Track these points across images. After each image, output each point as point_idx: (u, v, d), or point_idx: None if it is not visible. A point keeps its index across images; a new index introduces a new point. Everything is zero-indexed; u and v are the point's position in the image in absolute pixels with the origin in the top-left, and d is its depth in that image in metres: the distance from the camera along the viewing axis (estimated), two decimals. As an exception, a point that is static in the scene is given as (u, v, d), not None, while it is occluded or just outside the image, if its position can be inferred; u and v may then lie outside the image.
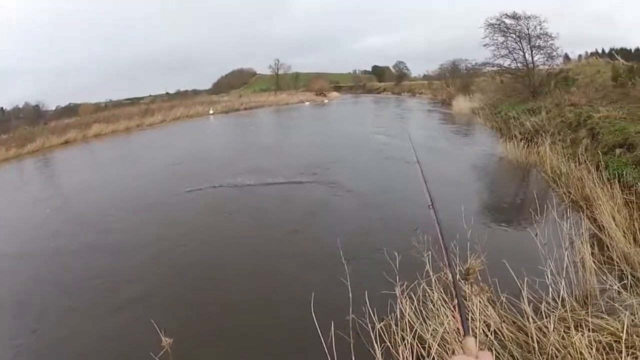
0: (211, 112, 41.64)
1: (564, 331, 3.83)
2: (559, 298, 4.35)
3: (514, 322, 4.27)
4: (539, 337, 3.83)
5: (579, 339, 3.55)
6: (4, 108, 45.52)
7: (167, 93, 61.86)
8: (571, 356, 3.54)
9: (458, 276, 4.43)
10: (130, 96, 59.74)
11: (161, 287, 6.42)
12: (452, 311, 4.14)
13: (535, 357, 3.74)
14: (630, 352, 3.44)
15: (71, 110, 48.41)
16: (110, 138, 29.97)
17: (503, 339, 4.03)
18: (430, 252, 4.61)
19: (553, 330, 3.78)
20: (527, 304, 4.15)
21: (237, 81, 71.57)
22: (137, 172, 16.15)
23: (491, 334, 4.05)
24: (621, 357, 3.39)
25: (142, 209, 10.63)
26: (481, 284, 4.37)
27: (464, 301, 4.23)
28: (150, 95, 60.13)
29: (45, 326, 5.63)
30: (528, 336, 4.00)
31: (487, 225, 7.21)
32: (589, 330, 3.72)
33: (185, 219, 9.50)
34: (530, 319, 4.04)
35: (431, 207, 1.34)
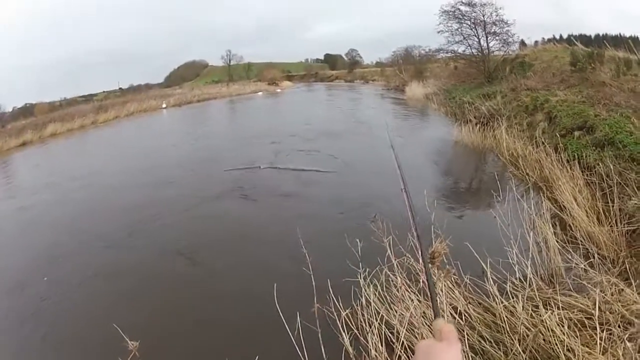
0: (164, 105, 41.05)
1: (532, 310, 3.84)
2: (524, 278, 4.33)
3: (480, 304, 4.25)
4: (507, 317, 3.82)
5: (549, 317, 3.56)
6: None
7: (120, 88, 60.52)
8: (542, 334, 3.52)
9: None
10: (84, 93, 58.19)
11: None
12: (417, 295, 4.11)
13: (506, 337, 3.71)
14: (605, 329, 3.46)
15: (27, 110, 46.75)
16: (66, 137, 29.32)
17: (471, 320, 3.99)
18: (390, 237, 4.55)
19: (522, 309, 3.77)
20: (492, 284, 4.16)
21: (189, 73, 70.59)
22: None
23: (458, 316, 4.01)
24: (595, 334, 3.41)
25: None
26: (447, 267, 4.35)
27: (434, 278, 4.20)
28: (103, 92, 58.74)
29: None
30: (496, 316, 3.99)
31: (448, 209, 7.18)
32: (558, 308, 3.71)
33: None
34: (497, 299, 4.03)
35: (404, 190, 1.30)
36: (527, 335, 3.57)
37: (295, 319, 3.56)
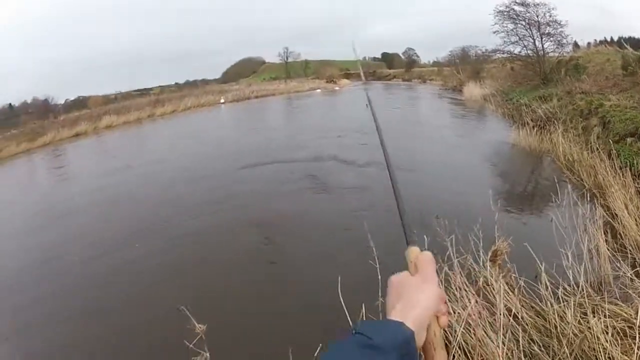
0: (222, 100, 41.33)
1: (580, 316, 3.90)
2: (576, 284, 4.41)
3: (532, 307, 4.34)
4: (557, 322, 3.89)
5: (595, 324, 3.61)
6: (12, 104, 44.76)
7: (176, 83, 61.58)
8: (588, 341, 3.61)
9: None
10: (139, 87, 59.23)
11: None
12: (475, 296, 4.22)
13: (554, 341, 3.80)
14: (645, 338, 3.48)
15: (80, 103, 47.98)
16: (122, 129, 30.00)
17: (522, 322, 4.10)
18: (452, 236, 4.65)
19: (571, 315, 3.85)
20: (545, 289, 4.24)
21: (246, 70, 70.90)
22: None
23: (512, 318, 4.11)
24: (635, 343, 3.44)
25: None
26: (507, 265, 4.45)
27: (490, 280, 4.33)
28: (159, 86, 59.56)
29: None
30: (546, 320, 4.08)
31: (505, 210, 7.23)
32: (604, 316, 3.76)
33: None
34: (549, 304, 4.12)
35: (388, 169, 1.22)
36: (574, 341, 3.64)
37: (359, 310, 3.73)
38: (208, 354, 3.69)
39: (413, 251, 0.89)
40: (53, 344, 5.42)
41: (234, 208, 9.27)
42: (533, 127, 12.21)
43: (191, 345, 3.62)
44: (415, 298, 0.80)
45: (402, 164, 11.03)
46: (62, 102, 47.25)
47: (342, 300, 3.77)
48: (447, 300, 3.41)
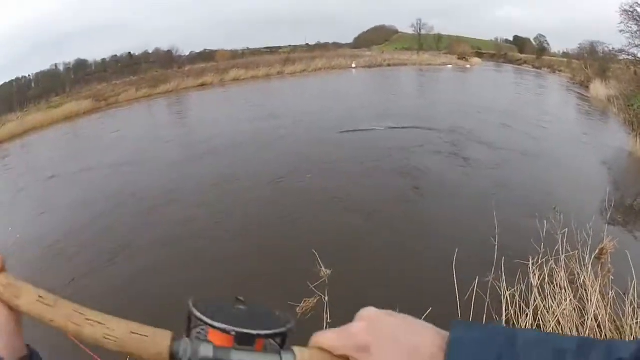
0: (354, 65, 39.53)
1: None
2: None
3: (615, 320, 4.33)
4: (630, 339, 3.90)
5: None
6: (132, 52, 41.48)
7: (307, 44, 57.53)
8: None
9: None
10: (269, 45, 55.52)
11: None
12: (571, 295, 4.19)
13: None
14: None
15: (207, 56, 45.09)
16: (250, 83, 29.58)
17: (604, 331, 4.10)
18: (565, 231, 4.52)
19: None
20: (629, 305, 4.14)
21: (378, 38, 66.72)
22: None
23: (597, 325, 4.10)
24: None
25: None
26: (609, 265, 4.37)
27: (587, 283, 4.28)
28: (289, 46, 55.79)
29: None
30: (621, 337, 4.06)
31: (614, 218, 6.96)
32: None
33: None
34: (630, 322, 4.10)
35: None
36: None
37: (471, 284, 3.70)
38: (327, 298, 3.69)
39: None
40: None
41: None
42: None
43: (312, 287, 3.62)
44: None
45: (529, 150, 11.32)
46: (187, 54, 44.80)
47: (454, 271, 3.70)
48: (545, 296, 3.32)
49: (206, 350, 0.52)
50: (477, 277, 3.75)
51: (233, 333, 0.53)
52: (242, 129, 13.67)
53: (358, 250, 5.74)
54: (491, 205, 4.43)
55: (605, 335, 4.10)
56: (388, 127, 13.23)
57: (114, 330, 0.54)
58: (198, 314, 0.55)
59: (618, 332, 4.20)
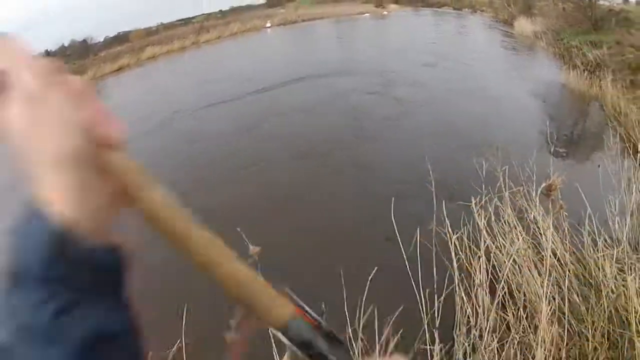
0: (268, 25, 40.36)
1: (617, 272, 3.75)
2: (617, 239, 4.26)
3: (574, 253, 4.15)
4: (595, 274, 3.77)
5: (631, 282, 3.45)
6: (48, 50, 41.86)
7: (220, 11, 58.68)
8: (624, 298, 3.46)
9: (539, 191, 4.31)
10: (183, 17, 56.72)
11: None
12: (522, 232, 4.01)
13: (592, 293, 3.66)
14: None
15: (121, 38, 45.87)
16: (166, 58, 29.86)
17: (565, 267, 3.92)
18: (506, 168, 4.36)
19: (610, 269, 3.70)
20: (587, 235, 4.08)
21: None
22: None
23: (557, 261, 3.92)
24: None
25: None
26: (560, 201, 4.22)
27: (538, 218, 4.12)
28: (203, 14, 56.77)
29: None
30: (586, 270, 3.95)
31: (555, 150, 6.90)
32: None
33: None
34: (590, 252, 3.96)
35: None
36: (610, 297, 3.51)
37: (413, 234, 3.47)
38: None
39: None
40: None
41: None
42: (583, 70, 11.96)
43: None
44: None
45: (458, 88, 11.50)
46: (102, 39, 45.18)
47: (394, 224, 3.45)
48: (497, 234, 3.14)
49: (309, 334, 0.53)
50: (419, 227, 3.47)
51: (325, 329, 0.54)
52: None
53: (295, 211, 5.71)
54: (425, 148, 4.28)
55: (569, 269, 3.91)
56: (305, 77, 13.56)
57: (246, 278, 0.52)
58: (301, 302, 0.55)
59: (581, 264, 4.06)
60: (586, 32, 18.57)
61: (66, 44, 42.23)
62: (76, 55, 37.20)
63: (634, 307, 3.32)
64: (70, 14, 67.21)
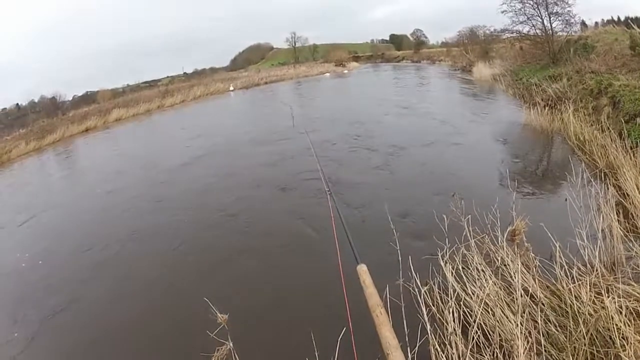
0: (231, 88, 41.73)
1: (594, 296, 3.90)
2: (590, 264, 4.43)
3: (548, 287, 4.34)
4: (572, 302, 3.88)
5: (610, 304, 3.60)
6: (19, 104, 44.63)
7: (184, 73, 61.96)
8: (603, 320, 3.62)
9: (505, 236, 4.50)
10: (148, 79, 60.31)
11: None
12: (492, 276, 4.23)
13: (570, 321, 3.79)
14: (657, 320, 3.47)
15: (89, 98, 48.54)
16: (132, 121, 30.23)
17: (539, 302, 4.10)
18: (469, 217, 4.64)
19: (587, 294, 3.84)
20: (560, 268, 4.25)
21: (254, 56, 71.45)
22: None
23: (530, 298, 4.12)
24: None
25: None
26: (526, 244, 4.44)
27: (507, 260, 4.33)
28: (167, 77, 59.90)
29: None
30: (561, 300, 4.08)
31: (520, 190, 7.11)
32: (618, 296, 3.74)
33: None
34: (564, 283, 4.12)
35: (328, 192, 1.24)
36: (589, 321, 3.62)
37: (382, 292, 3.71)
38: (231, 344, 3.66)
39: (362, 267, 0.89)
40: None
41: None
42: (544, 106, 12.15)
43: (213, 335, 3.61)
44: None
45: (416, 141, 11.60)
46: (70, 98, 47.71)
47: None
48: (466, 281, 3.41)
49: None
50: (387, 285, 3.73)
51: None
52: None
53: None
54: (385, 203, 4.54)
55: (542, 303, 4.11)
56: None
57: None
58: None
59: (555, 296, 4.23)
60: (545, 67, 18.73)
61: (36, 100, 44.50)
62: (45, 113, 38.47)
63: (615, 325, 3.47)
64: (39, 69, 69.04)
